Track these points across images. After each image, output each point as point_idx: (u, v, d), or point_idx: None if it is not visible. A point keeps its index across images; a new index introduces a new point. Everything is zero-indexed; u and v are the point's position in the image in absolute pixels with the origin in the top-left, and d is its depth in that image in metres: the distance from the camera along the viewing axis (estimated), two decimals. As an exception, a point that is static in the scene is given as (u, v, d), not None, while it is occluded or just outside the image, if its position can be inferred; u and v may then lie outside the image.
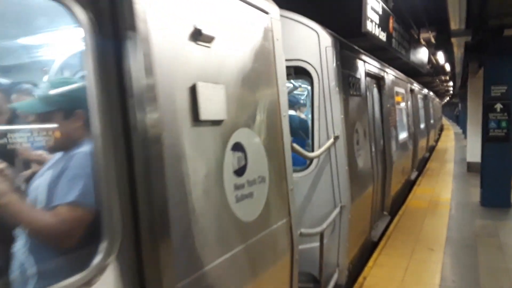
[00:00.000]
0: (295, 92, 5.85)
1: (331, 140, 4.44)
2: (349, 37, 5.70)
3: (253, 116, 2.77)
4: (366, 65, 5.99)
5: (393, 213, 8.12)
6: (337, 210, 4.49)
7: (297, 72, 4.94)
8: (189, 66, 2.16)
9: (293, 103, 5.92)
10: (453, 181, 12.19)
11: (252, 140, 2.72)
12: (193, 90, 2.16)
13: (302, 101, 6.05)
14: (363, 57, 5.92)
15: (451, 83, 29.71)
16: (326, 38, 4.46)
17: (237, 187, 2.52)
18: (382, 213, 7.46)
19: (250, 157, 2.66)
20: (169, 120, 1.96)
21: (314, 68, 4.48)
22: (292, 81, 5.95)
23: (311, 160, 4.55)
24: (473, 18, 7.86)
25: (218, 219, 2.33)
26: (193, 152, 2.13)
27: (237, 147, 2.53)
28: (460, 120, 35.92)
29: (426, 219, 8.02)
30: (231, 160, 2.46)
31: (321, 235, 4.10)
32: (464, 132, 30.47)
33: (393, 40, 7.22)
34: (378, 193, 6.89)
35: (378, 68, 6.96)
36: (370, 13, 5.37)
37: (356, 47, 5.56)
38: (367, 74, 6.25)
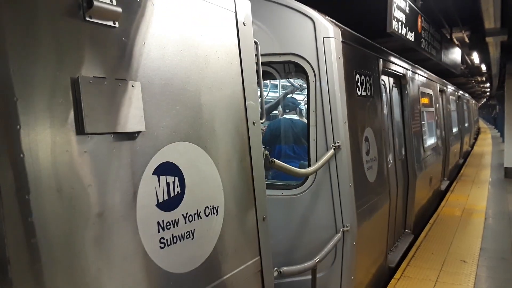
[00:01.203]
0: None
1: (331, 151, 3.64)
2: (376, 38, 5.06)
3: (199, 126, 2.04)
4: (382, 61, 5.13)
5: (420, 229, 7.18)
6: (337, 236, 3.68)
7: (294, 69, 4.19)
8: (69, 52, 1.46)
9: (295, 106, 5.14)
10: (489, 188, 11.30)
11: (195, 159, 1.99)
12: (74, 88, 1.45)
13: (305, 104, 5.25)
14: (378, 52, 5.06)
15: (487, 84, 27.94)
16: (324, 27, 3.66)
17: (165, 226, 1.79)
18: (403, 231, 6.54)
19: (190, 182, 1.93)
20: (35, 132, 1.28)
21: (310, 64, 3.69)
22: (291, 80, 5.19)
23: (313, 173, 3.76)
24: (509, 16, 7.03)
25: (125, 274, 1.61)
26: (77, 181, 1.43)
27: (166, 169, 1.80)
28: (498, 123, 33.91)
29: (459, 228, 7.34)
30: (151, 188, 1.73)
31: (313, 270, 3.30)
32: (502, 135, 28.66)
33: (422, 40, 6.44)
34: (398, 210, 5.99)
35: (398, 65, 6.06)
36: (396, 13, 4.90)
37: (368, 40, 4.72)
38: (384, 72, 5.39)
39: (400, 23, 4.85)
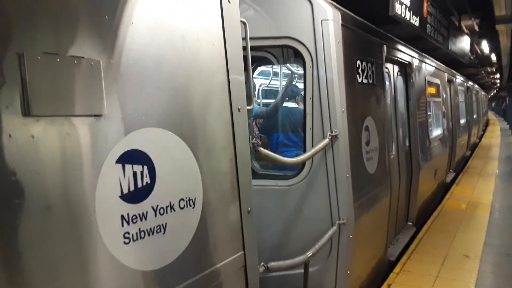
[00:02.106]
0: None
1: (326, 140, 3.45)
2: (381, 25, 4.82)
3: (173, 111, 1.86)
4: (386, 47, 4.90)
5: (423, 222, 6.99)
6: (333, 230, 3.51)
7: (292, 54, 3.99)
8: (14, 25, 1.29)
9: (294, 94, 4.94)
10: (496, 181, 11.01)
11: (168, 146, 1.82)
12: (20, 65, 1.29)
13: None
14: (382, 37, 4.83)
15: (497, 76, 27.39)
16: (322, 9, 3.45)
17: (130, 219, 1.63)
18: (405, 224, 6.36)
19: (162, 171, 1.76)
20: None
21: (307, 48, 3.48)
22: (289, 66, 4.99)
23: (302, 164, 3.58)
24: (521, 3, 6.68)
25: (80, 273, 1.45)
26: (21, 169, 1.27)
27: (132, 157, 1.64)
28: (508, 115, 33.37)
29: (463, 222, 7.13)
30: (114, 178, 1.56)
31: (305, 264, 3.15)
32: (511, 127, 28.13)
33: (428, 26, 6.16)
34: (401, 203, 5.80)
35: (403, 52, 5.81)
36: None
37: (371, 25, 4.49)
38: (388, 59, 5.16)
39: (403, 6, 4.60)
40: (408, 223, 6.37)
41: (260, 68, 8.27)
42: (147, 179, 1.70)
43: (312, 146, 3.54)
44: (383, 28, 5.16)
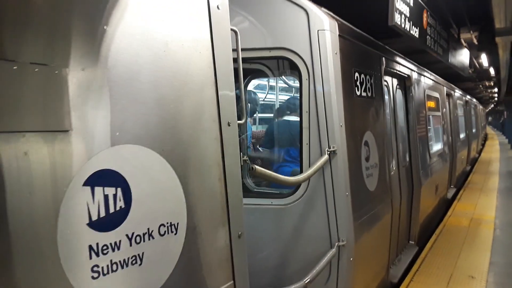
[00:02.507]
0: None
1: (325, 156, 3.26)
2: (380, 39, 4.70)
3: (153, 125, 1.67)
4: (385, 60, 4.75)
5: (425, 240, 6.76)
6: (332, 252, 3.29)
7: (287, 66, 3.82)
8: None
9: (295, 108, 4.76)
10: (498, 196, 10.80)
11: (147, 165, 1.62)
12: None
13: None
14: (380, 49, 4.69)
15: (495, 90, 27.43)
16: (318, 19, 3.29)
17: (100, 250, 1.42)
18: (407, 243, 6.13)
19: (139, 194, 1.56)
20: None
21: (303, 60, 3.32)
22: (284, 78, 4.83)
23: (304, 181, 3.37)
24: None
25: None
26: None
27: (103, 179, 1.44)
28: (506, 129, 33.35)
29: (466, 240, 6.91)
30: (81, 203, 1.36)
31: (303, 291, 2.92)
32: (510, 142, 28.04)
33: (428, 38, 6.04)
34: (402, 221, 5.58)
35: (402, 65, 5.67)
36: (398, 4, 4.50)
37: (370, 37, 4.35)
38: (387, 72, 5.00)
39: (403, 16, 4.47)
40: (410, 241, 6.14)
41: (256, 82, 8.16)
42: (121, 203, 1.50)
43: (309, 162, 3.34)
44: (383, 41, 5.04)
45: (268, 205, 3.50)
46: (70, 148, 1.34)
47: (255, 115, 7.11)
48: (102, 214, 1.44)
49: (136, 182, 1.56)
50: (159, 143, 1.68)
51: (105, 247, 1.44)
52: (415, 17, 4.94)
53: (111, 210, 1.47)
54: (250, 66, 4.13)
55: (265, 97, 7.19)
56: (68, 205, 1.32)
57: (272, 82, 6.15)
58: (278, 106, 5.43)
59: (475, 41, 9.99)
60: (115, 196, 1.48)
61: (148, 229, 1.61)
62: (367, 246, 3.95)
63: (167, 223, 1.69)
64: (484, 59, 12.22)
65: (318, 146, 3.35)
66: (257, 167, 2.45)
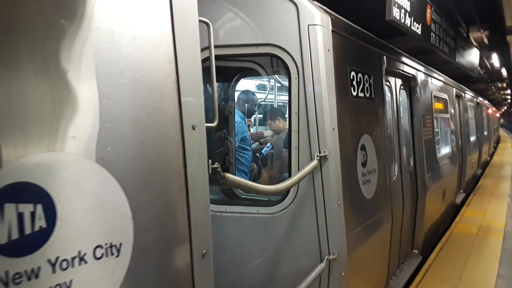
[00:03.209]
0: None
1: (314, 162, 2.99)
2: (384, 38, 4.42)
3: (89, 128, 1.42)
4: (386, 58, 4.46)
5: (430, 249, 6.44)
6: (320, 267, 3.02)
7: (277, 64, 3.56)
8: None
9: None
10: (509, 202, 10.33)
11: (79, 176, 1.37)
12: None
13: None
14: (381, 47, 4.39)
15: (508, 91, 26.81)
16: (309, 12, 3.02)
17: (11, 279, 1.18)
18: (411, 251, 5.81)
19: (66, 211, 1.32)
20: None
21: (292, 57, 3.05)
22: (277, 77, 4.56)
23: (289, 188, 3.11)
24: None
25: None
26: None
27: (17, 194, 1.20)
28: (520, 132, 32.67)
29: (474, 249, 6.53)
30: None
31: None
32: (524, 145, 27.38)
33: (432, 34, 5.69)
34: (405, 229, 5.28)
35: (406, 65, 5.37)
36: None
37: (368, 33, 4.05)
38: (389, 72, 4.71)
39: (403, 10, 4.16)
40: (414, 251, 5.83)
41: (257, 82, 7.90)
42: (41, 222, 1.25)
43: (298, 168, 3.08)
44: (386, 41, 4.75)
45: (255, 213, 3.25)
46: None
47: (254, 116, 6.87)
48: (15, 236, 1.20)
49: (63, 197, 1.31)
50: (96, 149, 1.43)
51: (17, 276, 1.19)
52: (417, 12, 4.63)
53: (27, 231, 1.23)
54: (242, 65, 3.89)
55: (265, 97, 6.93)
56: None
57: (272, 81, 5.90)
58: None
59: (485, 40, 9.59)
60: (33, 214, 1.24)
61: (79, 252, 1.36)
62: (363, 258, 3.67)
63: (106, 244, 1.44)
64: (495, 59, 11.81)
65: (308, 151, 3.09)
66: (229, 175, 2.19)
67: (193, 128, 1.85)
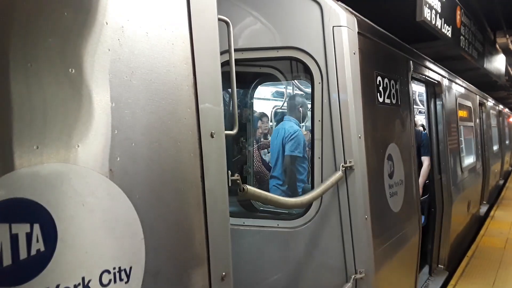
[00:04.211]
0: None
1: (338, 173, 2.78)
2: (406, 43, 4.19)
3: (96, 136, 1.25)
4: (412, 63, 4.23)
5: (456, 263, 6.12)
6: (348, 286, 2.79)
7: (299, 68, 3.38)
8: None
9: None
10: (536, 214, 9.89)
11: (84, 191, 1.20)
12: None
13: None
14: (407, 52, 4.17)
15: (530, 99, 26.08)
16: (334, 13, 2.84)
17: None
18: (436, 267, 5.52)
19: (69, 231, 1.15)
20: None
21: (315, 60, 2.86)
22: (296, 82, 4.37)
23: (312, 201, 2.89)
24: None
25: None
26: None
27: (14, 211, 1.04)
28: (541, 141, 31.71)
29: (502, 264, 6.16)
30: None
31: None
32: (547, 154, 26.55)
33: (462, 38, 5.42)
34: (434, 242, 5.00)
35: (432, 70, 5.13)
36: None
37: (393, 36, 3.84)
38: (414, 78, 4.48)
39: (434, 11, 3.92)
40: (439, 266, 5.53)
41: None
42: (39, 246, 1.08)
43: (322, 180, 2.87)
44: (412, 46, 4.53)
45: (274, 227, 3.04)
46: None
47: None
48: (8, 261, 1.02)
49: (65, 215, 1.14)
50: (104, 161, 1.25)
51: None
52: (447, 14, 4.38)
53: (23, 255, 1.05)
54: (260, 70, 3.71)
55: (282, 105, 6.75)
56: None
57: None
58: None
59: (511, 46, 9.26)
60: (29, 235, 1.07)
61: (83, 278, 1.18)
62: (391, 275, 3.43)
63: (115, 268, 1.26)
64: (519, 67, 11.42)
65: (332, 161, 2.88)
66: (249, 187, 1.99)
67: (212, 136, 1.67)
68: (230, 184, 1.81)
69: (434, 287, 5.00)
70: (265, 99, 9.12)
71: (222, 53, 1.78)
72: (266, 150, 5.98)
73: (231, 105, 1.98)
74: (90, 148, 1.23)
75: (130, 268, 1.31)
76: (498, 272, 5.82)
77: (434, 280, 5.15)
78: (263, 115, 5.66)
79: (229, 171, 1.80)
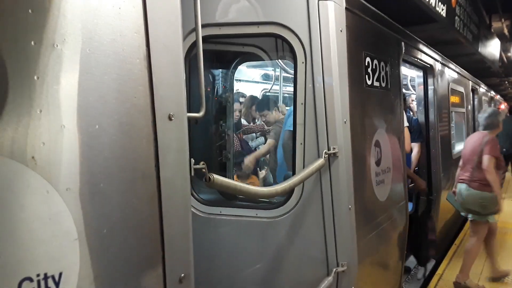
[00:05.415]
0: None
1: (320, 160, 2.57)
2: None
3: (13, 114, 1.03)
4: (404, 45, 4.01)
5: (443, 251, 6.02)
6: (327, 281, 2.62)
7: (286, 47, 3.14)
8: None
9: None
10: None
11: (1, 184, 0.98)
12: None
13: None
14: (399, 32, 3.94)
15: (522, 86, 26.09)
16: (320, -14, 2.59)
17: None
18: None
19: None
20: None
21: (298, 37, 2.63)
22: (281, 63, 4.13)
23: (289, 191, 2.68)
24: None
25: None
26: None
27: None
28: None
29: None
30: None
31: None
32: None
33: (457, 19, 5.17)
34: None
35: (425, 53, 4.91)
36: None
37: (383, 14, 3.60)
38: (405, 60, 4.26)
39: (428, -11, 3.69)
40: (427, 254, 5.41)
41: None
42: None
43: (303, 167, 2.67)
44: (408, 29, 4.30)
45: (253, 217, 2.85)
46: None
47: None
48: None
49: None
50: (24, 146, 1.03)
51: None
52: (442, -7, 4.15)
53: None
54: (244, 49, 3.47)
55: (270, 88, 6.52)
56: None
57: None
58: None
59: (506, 31, 9.04)
60: None
61: (-5, 289, 0.97)
62: (375, 268, 3.28)
63: (38, 275, 1.05)
64: (513, 52, 11.25)
65: (315, 147, 2.67)
66: (216, 176, 1.78)
67: (170, 119, 1.45)
68: (192, 174, 1.60)
69: (421, 276, 4.88)
70: (254, 82, 8.86)
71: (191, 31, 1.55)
72: (254, 134, 5.76)
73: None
74: (5, 131, 1.00)
75: (60, 274, 1.10)
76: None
77: (421, 269, 5.03)
78: (242, 96, 5.41)
79: (191, 159, 1.58)
